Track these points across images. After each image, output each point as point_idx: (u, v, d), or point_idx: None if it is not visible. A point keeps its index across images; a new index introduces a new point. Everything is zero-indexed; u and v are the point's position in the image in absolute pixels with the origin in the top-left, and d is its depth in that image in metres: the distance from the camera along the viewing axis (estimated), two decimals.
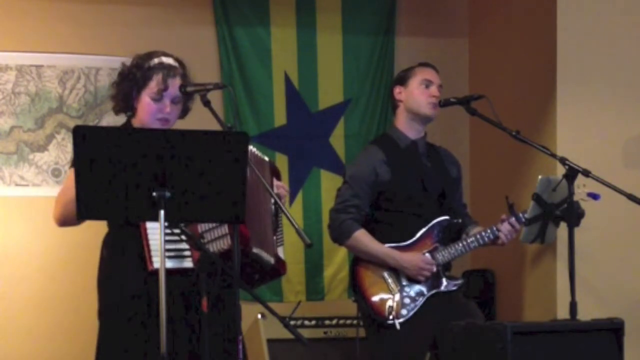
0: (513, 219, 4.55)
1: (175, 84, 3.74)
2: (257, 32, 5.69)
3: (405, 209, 4.57)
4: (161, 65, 3.75)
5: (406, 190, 4.58)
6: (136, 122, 3.80)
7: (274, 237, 3.95)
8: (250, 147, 3.79)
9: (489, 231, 4.55)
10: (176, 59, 3.81)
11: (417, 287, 4.51)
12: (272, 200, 3.85)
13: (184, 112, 3.87)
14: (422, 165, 4.66)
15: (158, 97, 3.73)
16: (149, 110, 3.74)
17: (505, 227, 4.53)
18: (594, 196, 4.62)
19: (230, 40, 5.63)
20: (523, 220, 4.63)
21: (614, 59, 5.25)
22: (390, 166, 4.60)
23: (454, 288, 4.57)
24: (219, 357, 3.62)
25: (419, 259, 4.50)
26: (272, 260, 3.85)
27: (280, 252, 4.00)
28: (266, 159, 3.98)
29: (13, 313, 5.23)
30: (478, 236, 4.56)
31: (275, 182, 3.98)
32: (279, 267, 3.96)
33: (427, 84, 4.65)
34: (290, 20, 5.75)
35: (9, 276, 5.24)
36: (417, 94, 4.64)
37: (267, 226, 3.88)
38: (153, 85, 3.73)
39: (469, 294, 4.83)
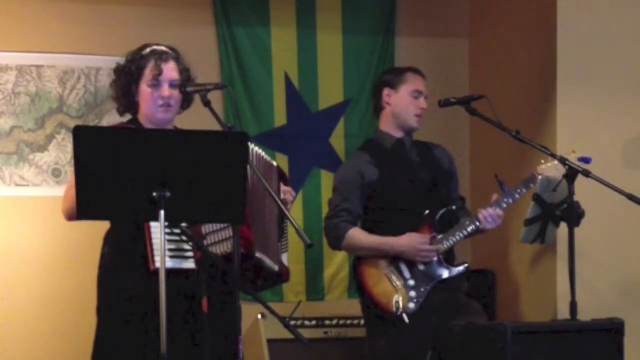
0: (493, 200, 4.55)
1: (169, 67, 3.77)
2: (257, 32, 5.69)
3: (397, 205, 4.59)
4: (152, 52, 3.79)
5: (395, 188, 4.60)
6: (141, 117, 3.82)
7: (279, 244, 3.95)
8: (259, 151, 3.81)
9: (474, 219, 4.56)
10: (168, 47, 3.83)
11: (421, 278, 4.51)
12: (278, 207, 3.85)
13: (187, 103, 3.87)
14: (410, 160, 4.68)
15: (155, 83, 3.76)
16: (148, 99, 3.76)
17: (483, 212, 4.53)
18: (586, 160, 4.59)
19: (230, 40, 5.63)
20: (516, 196, 4.58)
21: (614, 59, 5.25)
22: (376, 166, 4.62)
23: (458, 274, 4.56)
24: (219, 357, 3.62)
25: (414, 239, 4.49)
26: (275, 267, 3.85)
27: (284, 258, 4.00)
28: (274, 163, 3.98)
29: (13, 313, 5.23)
30: (464, 225, 4.57)
31: (283, 187, 3.98)
32: (282, 273, 3.96)
33: (417, 95, 4.66)
34: (290, 20, 5.75)
35: (9, 276, 5.24)
36: (406, 104, 4.65)
37: (271, 232, 3.88)
38: (147, 72, 3.76)
39: (469, 294, 4.82)
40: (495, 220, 4.56)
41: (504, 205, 4.59)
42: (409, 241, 4.50)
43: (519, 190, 4.61)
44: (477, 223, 4.56)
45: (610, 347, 4.24)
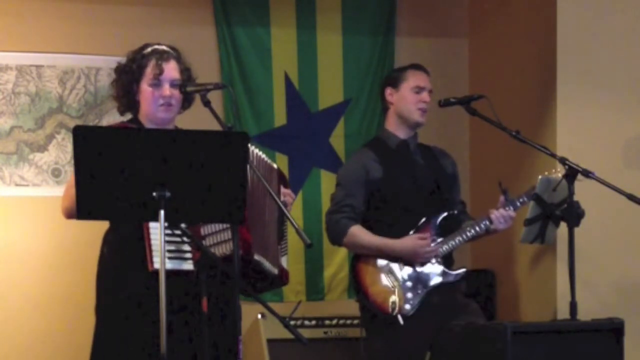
0: (503, 201, 4.55)
1: (170, 67, 3.77)
2: (257, 32, 5.69)
3: (399, 205, 4.59)
4: (154, 52, 3.80)
5: (399, 187, 4.60)
6: (142, 116, 3.82)
7: (279, 247, 3.95)
8: (260, 153, 3.81)
9: (485, 219, 4.56)
10: (169, 46, 3.84)
11: (419, 280, 4.51)
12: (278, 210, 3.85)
13: (188, 103, 3.87)
14: (414, 162, 4.68)
15: (156, 82, 3.76)
16: (150, 98, 3.76)
17: (496, 213, 4.54)
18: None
19: (230, 40, 5.62)
20: (518, 204, 4.61)
21: (614, 59, 5.25)
22: (381, 164, 4.62)
23: (457, 278, 4.56)
24: (219, 357, 3.62)
25: (414, 242, 4.50)
26: (275, 270, 3.85)
27: (284, 261, 4.00)
28: (275, 166, 3.98)
29: (13, 313, 5.23)
30: (474, 224, 4.57)
31: (283, 189, 3.98)
32: (282, 276, 3.96)
33: (418, 90, 4.66)
34: (290, 20, 5.75)
35: (9, 276, 5.24)
36: (408, 100, 4.66)
37: (271, 234, 3.87)
38: (149, 72, 3.77)
39: (469, 294, 4.83)
40: (508, 221, 4.57)
41: (518, 204, 4.59)
42: (411, 245, 4.50)
43: (521, 200, 4.62)
44: (488, 223, 4.55)
45: (610, 347, 4.25)
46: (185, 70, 3.84)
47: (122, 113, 3.89)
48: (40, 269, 5.29)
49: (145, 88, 3.77)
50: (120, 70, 3.83)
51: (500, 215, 4.54)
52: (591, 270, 5.02)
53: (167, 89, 3.76)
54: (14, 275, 5.25)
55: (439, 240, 4.58)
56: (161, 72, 3.75)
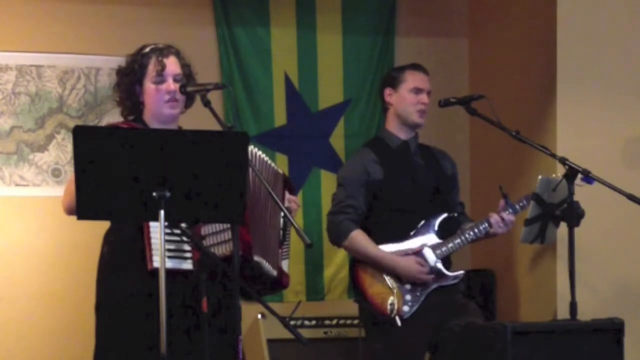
0: (503, 205, 4.56)
1: (171, 62, 3.77)
2: (257, 32, 5.69)
3: (400, 206, 4.59)
4: (153, 49, 3.80)
5: (399, 188, 4.59)
6: (147, 116, 3.80)
7: (280, 250, 3.95)
8: (266, 158, 3.81)
9: (484, 222, 4.56)
10: (166, 44, 3.84)
11: (418, 283, 4.51)
12: (282, 214, 3.84)
13: (190, 102, 3.87)
14: (415, 163, 4.68)
15: (159, 79, 3.75)
16: (154, 95, 3.75)
17: (495, 217, 4.54)
18: (589, 180, 4.59)
19: (230, 40, 5.63)
20: (518, 209, 4.61)
21: (614, 59, 5.25)
22: (382, 166, 4.62)
23: (455, 281, 4.57)
24: (218, 357, 3.62)
25: (413, 266, 4.49)
26: (274, 272, 3.84)
27: (285, 265, 3.99)
28: (280, 171, 3.98)
29: (13, 313, 5.23)
30: (474, 227, 4.57)
31: (288, 195, 3.98)
32: (281, 280, 3.95)
33: (417, 91, 4.66)
34: (290, 20, 5.75)
35: (10, 276, 5.24)
36: (406, 102, 4.66)
37: (272, 237, 3.87)
38: (151, 69, 3.76)
39: (469, 294, 4.82)
40: (507, 225, 4.57)
41: (518, 209, 4.59)
42: (409, 268, 4.49)
43: (521, 204, 4.62)
44: (487, 226, 4.55)
45: (610, 347, 4.25)
46: (185, 66, 3.84)
47: (126, 117, 3.88)
48: (40, 269, 5.29)
49: (149, 86, 3.77)
50: (121, 72, 3.82)
51: (499, 219, 4.55)
52: (591, 270, 5.02)
53: (171, 84, 3.76)
54: (14, 275, 5.25)
55: (439, 242, 4.57)
56: (163, 67, 3.75)
